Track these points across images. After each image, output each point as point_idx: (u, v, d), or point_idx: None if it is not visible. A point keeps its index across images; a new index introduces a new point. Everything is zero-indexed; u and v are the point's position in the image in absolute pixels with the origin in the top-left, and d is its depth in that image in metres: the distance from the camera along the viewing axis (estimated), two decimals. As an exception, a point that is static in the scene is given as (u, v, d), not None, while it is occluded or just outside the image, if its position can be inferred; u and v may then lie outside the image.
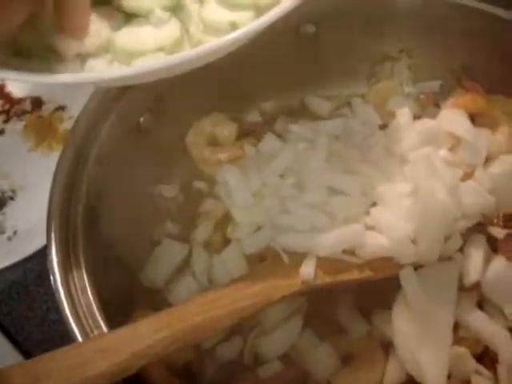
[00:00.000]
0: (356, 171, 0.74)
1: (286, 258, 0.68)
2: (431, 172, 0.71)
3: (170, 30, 0.57)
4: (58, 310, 0.83)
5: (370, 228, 0.69)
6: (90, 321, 0.60)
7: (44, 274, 0.87)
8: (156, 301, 0.75)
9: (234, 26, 0.56)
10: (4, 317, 0.86)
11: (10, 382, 0.50)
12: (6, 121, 1.06)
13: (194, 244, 0.79)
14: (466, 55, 0.85)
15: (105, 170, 0.74)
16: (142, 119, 0.80)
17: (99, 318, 0.61)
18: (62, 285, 0.62)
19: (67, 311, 0.60)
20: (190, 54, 0.52)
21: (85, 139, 0.73)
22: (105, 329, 0.60)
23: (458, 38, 0.84)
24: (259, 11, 0.57)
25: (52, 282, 0.62)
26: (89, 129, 0.74)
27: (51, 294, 0.85)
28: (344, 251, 0.68)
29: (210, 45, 0.52)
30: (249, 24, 0.54)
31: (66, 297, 0.61)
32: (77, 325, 0.59)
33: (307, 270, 0.66)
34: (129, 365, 0.54)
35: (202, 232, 0.80)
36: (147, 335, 0.56)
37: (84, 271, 0.65)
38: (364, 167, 0.74)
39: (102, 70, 0.56)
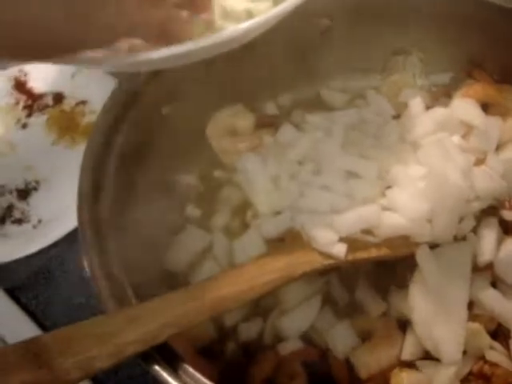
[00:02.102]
0: (371, 156, 0.76)
1: (305, 237, 0.70)
2: (444, 155, 0.73)
3: None
4: (82, 294, 0.87)
5: (386, 209, 0.71)
6: (120, 296, 0.63)
7: (68, 259, 0.91)
8: (179, 284, 0.77)
9: (249, 15, 0.59)
10: (31, 302, 0.89)
11: (46, 347, 0.52)
12: (29, 115, 1.09)
13: (215, 229, 0.82)
14: (476, 47, 0.88)
15: (129, 159, 0.76)
16: (163, 110, 0.82)
17: (129, 295, 0.63)
18: (94, 261, 0.64)
19: (99, 285, 0.62)
20: (204, 41, 0.54)
21: (110, 129, 0.75)
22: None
23: (468, 31, 0.86)
24: (276, 1, 0.60)
25: (84, 263, 0.64)
26: (113, 120, 0.76)
27: (76, 278, 0.89)
28: (362, 231, 0.70)
29: (224, 33, 0.54)
30: (265, 13, 0.56)
31: (97, 273, 0.63)
32: (108, 297, 0.61)
33: (339, 247, 0.68)
34: (158, 333, 0.56)
35: (222, 218, 0.82)
36: (176, 306, 0.58)
37: (112, 255, 0.67)
38: (378, 152, 0.77)
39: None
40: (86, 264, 0.64)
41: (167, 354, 0.58)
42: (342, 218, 0.70)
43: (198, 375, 0.57)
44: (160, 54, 0.54)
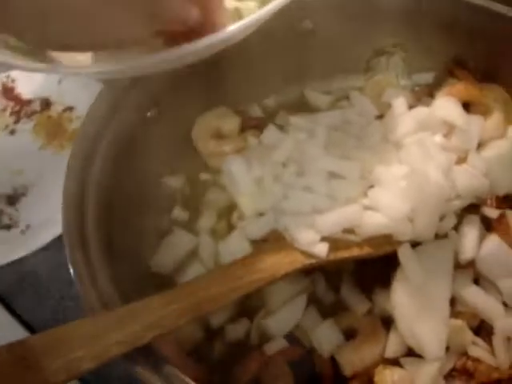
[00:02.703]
0: (353, 156, 0.77)
1: (288, 238, 0.71)
2: (426, 155, 0.74)
3: None
4: (71, 298, 0.88)
5: (368, 208, 0.72)
6: (105, 300, 0.63)
7: (56, 264, 0.91)
8: (165, 286, 0.77)
9: (238, 14, 0.59)
10: (19, 306, 0.90)
11: (33, 349, 0.53)
12: (17, 121, 1.09)
13: (201, 231, 0.82)
14: (458, 47, 0.89)
15: (114, 163, 0.77)
16: (148, 114, 0.83)
17: (114, 298, 0.64)
18: (78, 266, 0.65)
19: (83, 290, 0.63)
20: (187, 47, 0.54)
21: (94, 135, 0.76)
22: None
23: (449, 31, 0.87)
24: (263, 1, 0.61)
25: (69, 265, 0.65)
26: (98, 123, 0.77)
27: (63, 283, 0.90)
28: (344, 230, 0.71)
29: (213, 36, 0.55)
30: (253, 13, 0.57)
31: (82, 277, 0.64)
32: (93, 302, 0.62)
33: (321, 247, 0.69)
34: (143, 335, 0.57)
35: (208, 220, 0.83)
36: (160, 307, 0.59)
37: (98, 257, 0.68)
38: (361, 153, 0.78)
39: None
40: (71, 268, 0.65)
41: (151, 355, 0.58)
42: (324, 218, 0.71)
43: (182, 376, 0.57)
44: (151, 59, 0.55)
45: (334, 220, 0.70)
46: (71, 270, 0.65)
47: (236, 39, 0.60)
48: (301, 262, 0.69)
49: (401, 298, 0.70)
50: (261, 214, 0.77)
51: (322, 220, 0.70)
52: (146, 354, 0.58)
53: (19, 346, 0.53)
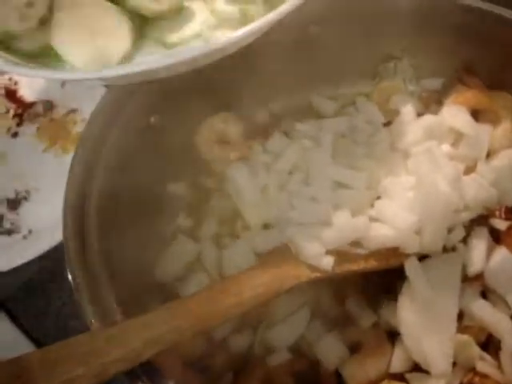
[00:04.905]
0: (361, 166, 0.76)
1: (294, 250, 0.70)
2: (433, 165, 0.73)
3: None
4: (73, 304, 0.87)
5: (374, 220, 0.71)
6: (106, 310, 0.63)
7: (58, 270, 0.90)
8: (169, 296, 0.77)
9: (245, 17, 0.58)
10: (21, 313, 0.89)
11: (30, 368, 0.52)
12: (19, 124, 1.08)
13: (204, 239, 0.81)
14: (467, 53, 0.87)
15: (117, 169, 0.76)
16: (152, 119, 0.82)
17: (115, 308, 0.63)
18: (79, 277, 0.64)
19: (85, 301, 0.62)
20: (193, 50, 0.54)
21: (97, 139, 0.75)
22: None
23: (458, 36, 0.85)
24: (269, 7, 0.59)
25: (69, 274, 0.64)
26: (101, 129, 0.76)
27: (66, 290, 0.89)
28: (350, 243, 0.70)
29: (219, 40, 0.54)
30: (259, 19, 0.56)
31: (83, 288, 0.63)
32: (94, 314, 0.61)
33: (327, 260, 0.68)
34: (143, 352, 0.56)
35: (211, 227, 0.82)
36: (160, 323, 0.58)
37: (99, 266, 0.67)
38: (368, 162, 0.76)
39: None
40: (70, 278, 0.64)
41: (151, 371, 0.57)
42: (330, 230, 0.69)
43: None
44: (156, 63, 0.55)
45: (340, 232, 0.69)
46: (70, 280, 0.64)
47: (243, 44, 0.59)
48: (306, 275, 0.68)
49: (407, 313, 0.69)
50: (266, 225, 0.76)
51: (328, 232, 0.69)
52: (145, 369, 0.57)
53: (15, 364, 0.52)
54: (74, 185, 0.71)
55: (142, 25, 0.63)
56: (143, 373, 0.57)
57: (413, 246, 0.70)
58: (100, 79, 0.59)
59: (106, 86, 0.79)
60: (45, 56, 0.61)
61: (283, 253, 0.70)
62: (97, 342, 0.55)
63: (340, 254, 0.69)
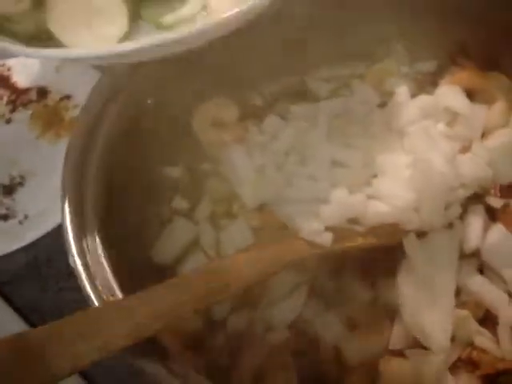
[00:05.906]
0: (356, 145, 0.76)
1: (291, 227, 0.70)
2: (429, 143, 0.73)
3: None
4: (70, 290, 0.87)
5: (372, 198, 0.71)
6: (106, 290, 0.63)
7: (55, 255, 0.90)
8: (167, 277, 0.77)
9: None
10: (18, 298, 0.89)
11: (33, 342, 0.52)
12: (13, 110, 1.08)
13: (201, 220, 0.81)
14: (460, 34, 0.88)
15: (113, 153, 0.76)
16: (148, 102, 0.82)
17: (115, 288, 0.63)
18: (79, 256, 0.64)
19: (84, 280, 0.62)
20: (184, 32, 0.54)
21: (93, 123, 0.75)
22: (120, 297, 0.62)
23: (452, 18, 0.86)
24: None
25: (68, 254, 0.64)
26: (96, 113, 0.76)
27: (63, 274, 0.89)
28: (348, 220, 0.70)
29: (214, 18, 0.55)
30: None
31: (82, 267, 0.63)
32: (94, 292, 0.61)
33: (325, 236, 0.68)
34: (146, 327, 0.56)
35: (209, 209, 0.82)
36: (162, 298, 0.58)
37: (98, 247, 0.67)
38: (364, 141, 0.77)
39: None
40: (70, 259, 0.64)
41: (154, 347, 0.57)
42: (328, 207, 0.70)
43: (186, 368, 0.57)
44: (156, 40, 0.55)
45: (338, 209, 0.70)
46: (70, 261, 0.63)
47: (238, 25, 0.59)
48: (306, 251, 0.68)
49: (406, 289, 0.69)
50: (263, 205, 0.76)
51: (326, 209, 0.69)
52: (148, 345, 0.57)
53: (19, 339, 0.52)
54: (71, 169, 0.71)
55: (138, 6, 0.63)
56: (146, 348, 0.57)
57: (411, 222, 0.70)
58: (108, 57, 0.58)
59: (102, 71, 0.79)
60: (41, 39, 0.61)
61: (281, 230, 0.71)
62: (99, 317, 0.55)
63: (338, 231, 0.69)
